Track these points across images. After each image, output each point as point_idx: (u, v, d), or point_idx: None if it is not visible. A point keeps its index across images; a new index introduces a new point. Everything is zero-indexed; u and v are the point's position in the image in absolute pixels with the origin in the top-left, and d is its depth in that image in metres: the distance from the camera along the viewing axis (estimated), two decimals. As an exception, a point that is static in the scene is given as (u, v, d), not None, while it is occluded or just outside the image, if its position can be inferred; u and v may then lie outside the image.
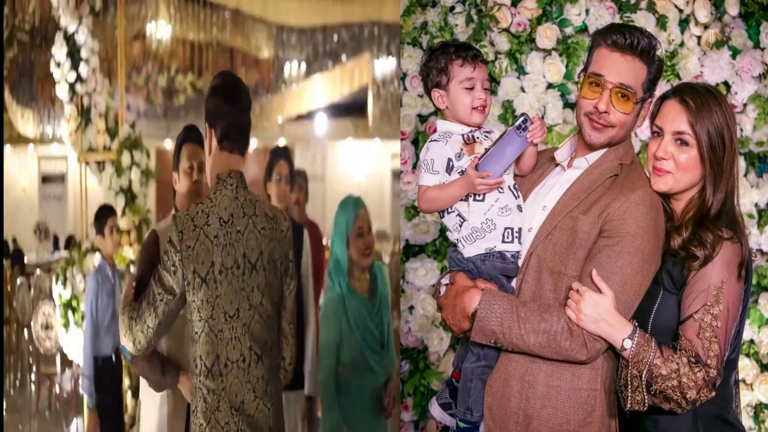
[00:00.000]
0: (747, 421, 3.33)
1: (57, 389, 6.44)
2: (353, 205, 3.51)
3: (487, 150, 2.06)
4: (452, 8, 3.48)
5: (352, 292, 3.46)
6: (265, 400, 2.33)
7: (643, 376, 1.88)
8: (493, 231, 2.08)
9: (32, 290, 7.21)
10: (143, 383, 3.06)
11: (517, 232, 2.10)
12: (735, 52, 3.42)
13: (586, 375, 2.00)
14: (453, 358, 2.35)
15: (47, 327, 6.10)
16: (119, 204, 5.24)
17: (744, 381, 3.33)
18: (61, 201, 13.09)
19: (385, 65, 10.02)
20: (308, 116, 11.57)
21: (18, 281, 7.51)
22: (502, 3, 3.42)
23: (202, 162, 3.15)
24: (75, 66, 5.45)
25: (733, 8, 3.42)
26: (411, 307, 3.48)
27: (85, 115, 5.52)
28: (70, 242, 9.95)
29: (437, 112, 3.03)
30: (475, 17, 3.45)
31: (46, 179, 13.47)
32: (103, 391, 4.69)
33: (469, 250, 2.11)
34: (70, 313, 5.10)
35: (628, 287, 1.96)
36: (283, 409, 2.47)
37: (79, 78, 5.45)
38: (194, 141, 3.13)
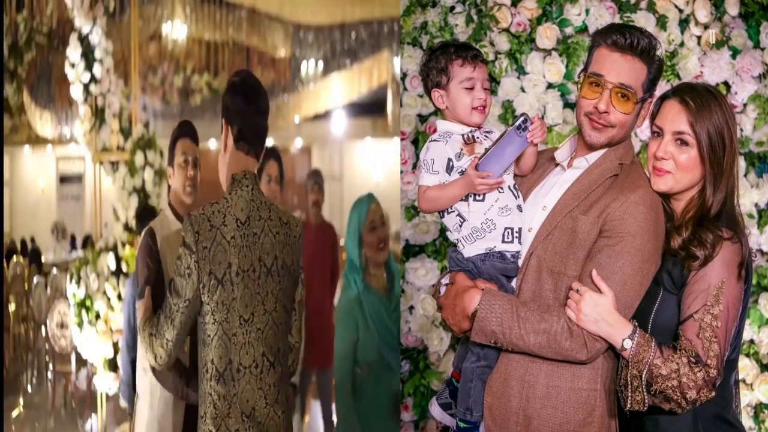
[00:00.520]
0: (747, 421, 3.33)
1: (72, 387, 6.53)
2: (364, 202, 3.46)
3: (487, 150, 2.06)
4: (452, 8, 3.48)
5: (368, 289, 3.38)
6: (276, 408, 2.27)
7: (643, 376, 1.88)
8: (493, 231, 2.08)
9: (48, 289, 7.29)
10: (140, 378, 3.09)
11: (517, 232, 2.10)
12: (735, 52, 3.42)
13: (586, 375, 1.99)
14: (453, 358, 2.35)
15: (62, 326, 6.16)
16: (132, 204, 5.29)
17: (744, 381, 3.32)
18: (78, 201, 13.17)
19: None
20: (326, 115, 11.56)
21: (35, 280, 7.60)
22: (502, 3, 3.42)
23: (196, 157, 3.10)
24: (89, 67, 5.50)
25: (733, 8, 3.41)
26: (411, 307, 3.48)
27: (99, 115, 5.57)
28: (87, 242, 10.06)
29: (437, 112, 3.02)
30: (475, 17, 3.46)
31: (64, 179, 13.54)
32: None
33: (469, 250, 2.11)
34: (84, 312, 5.15)
35: (628, 287, 1.96)
36: (292, 418, 2.42)
37: (93, 78, 5.50)
38: (189, 136, 3.09)
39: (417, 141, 3.51)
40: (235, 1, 9.77)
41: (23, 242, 11.02)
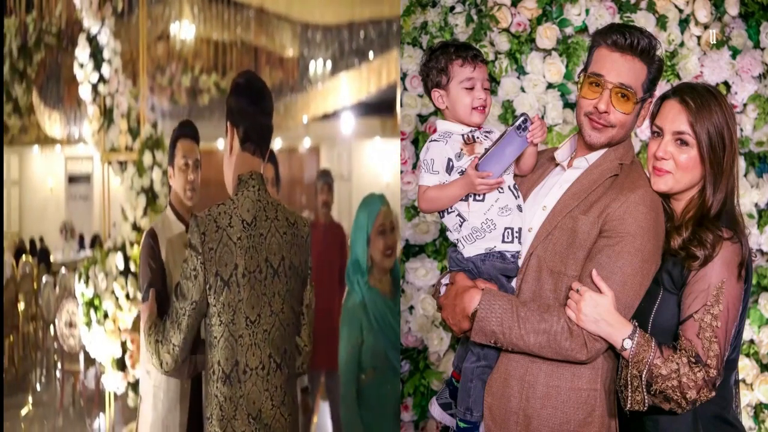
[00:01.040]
0: (747, 421, 3.33)
1: (80, 386, 6.56)
2: (375, 203, 3.40)
3: (487, 150, 2.06)
4: (452, 8, 3.48)
5: (371, 291, 3.32)
6: (282, 410, 2.26)
7: (643, 376, 1.88)
8: (493, 231, 2.08)
9: (57, 288, 7.33)
10: (143, 379, 3.11)
11: (517, 232, 2.10)
12: (735, 52, 3.41)
13: (586, 375, 1.99)
14: (453, 358, 2.35)
15: (71, 325, 6.20)
16: (140, 204, 5.32)
17: (744, 381, 3.32)
18: (86, 200, 13.23)
19: (414, 62, 9.96)
20: (334, 115, 11.56)
21: (44, 279, 7.65)
22: (502, 3, 3.42)
23: (197, 159, 3.10)
24: (98, 67, 5.52)
25: (733, 8, 3.40)
26: (411, 307, 3.48)
27: (108, 115, 5.59)
28: (95, 241, 10.11)
29: (437, 112, 3.02)
30: (475, 17, 3.45)
31: (72, 179, 13.59)
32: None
33: (469, 250, 2.11)
34: (92, 311, 5.17)
35: (628, 287, 1.95)
36: (299, 420, 2.41)
37: (101, 78, 5.51)
38: (189, 136, 3.09)
39: (417, 141, 3.50)
40: (242, 1, 9.80)
41: (32, 242, 11.08)
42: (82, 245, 11.83)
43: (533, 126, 2.07)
